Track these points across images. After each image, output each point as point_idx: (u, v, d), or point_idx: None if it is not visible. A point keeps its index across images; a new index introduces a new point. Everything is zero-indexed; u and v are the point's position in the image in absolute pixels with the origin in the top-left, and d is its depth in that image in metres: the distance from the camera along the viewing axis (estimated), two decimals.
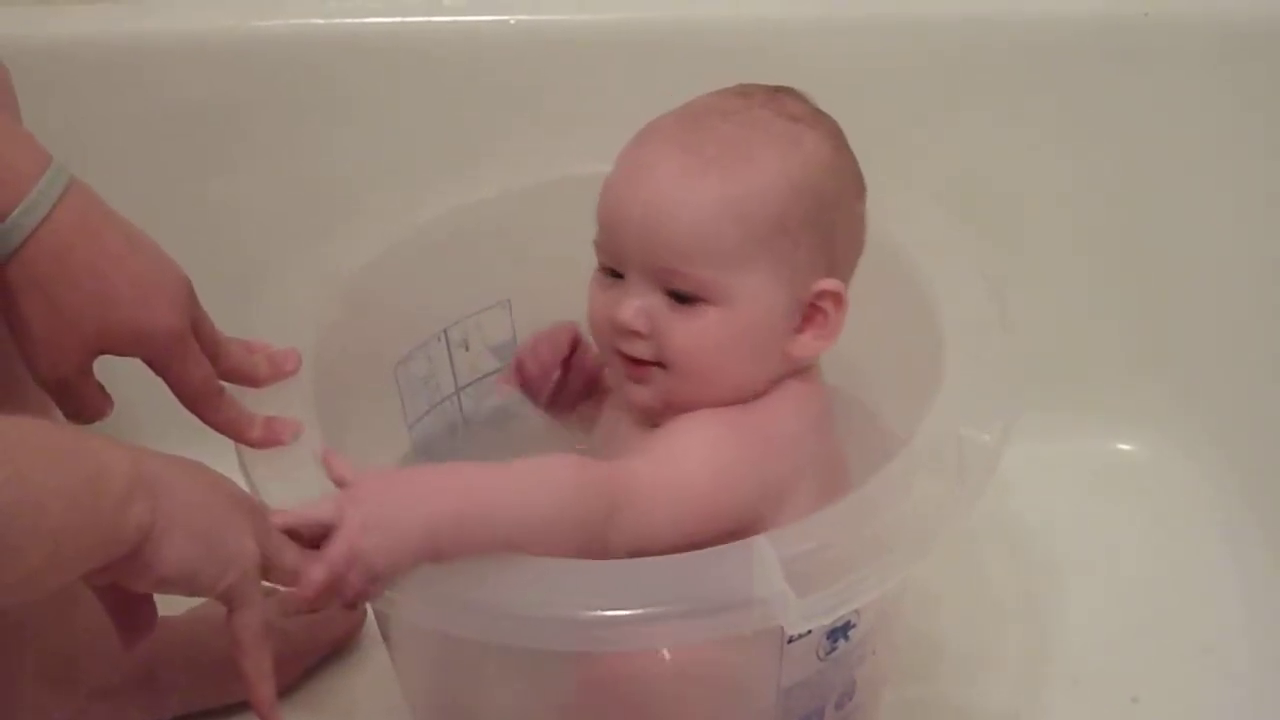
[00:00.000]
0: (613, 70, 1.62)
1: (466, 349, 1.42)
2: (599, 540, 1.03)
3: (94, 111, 1.62)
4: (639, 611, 0.97)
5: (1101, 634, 1.53)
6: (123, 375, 1.12)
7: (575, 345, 1.32)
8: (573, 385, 1.33)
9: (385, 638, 1.29)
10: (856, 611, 1.10)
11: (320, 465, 1.08)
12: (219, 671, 1.43)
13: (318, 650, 1.50)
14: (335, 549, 0.96)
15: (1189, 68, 1.62)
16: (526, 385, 1.34)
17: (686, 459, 1.10)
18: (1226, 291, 1.67)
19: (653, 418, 1.17)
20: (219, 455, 1.05)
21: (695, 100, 1.19)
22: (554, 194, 1.40)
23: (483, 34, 1.65)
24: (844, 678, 1.16)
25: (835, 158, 1.16)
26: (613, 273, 1.16)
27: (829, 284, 1.15)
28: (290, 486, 1.07)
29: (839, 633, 1.11)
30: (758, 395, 1.16)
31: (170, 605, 1.03)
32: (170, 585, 0.91)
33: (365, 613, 1.52)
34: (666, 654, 1.09)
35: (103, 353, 1.08)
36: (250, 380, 1.17)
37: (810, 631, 1.07)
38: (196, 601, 1.43)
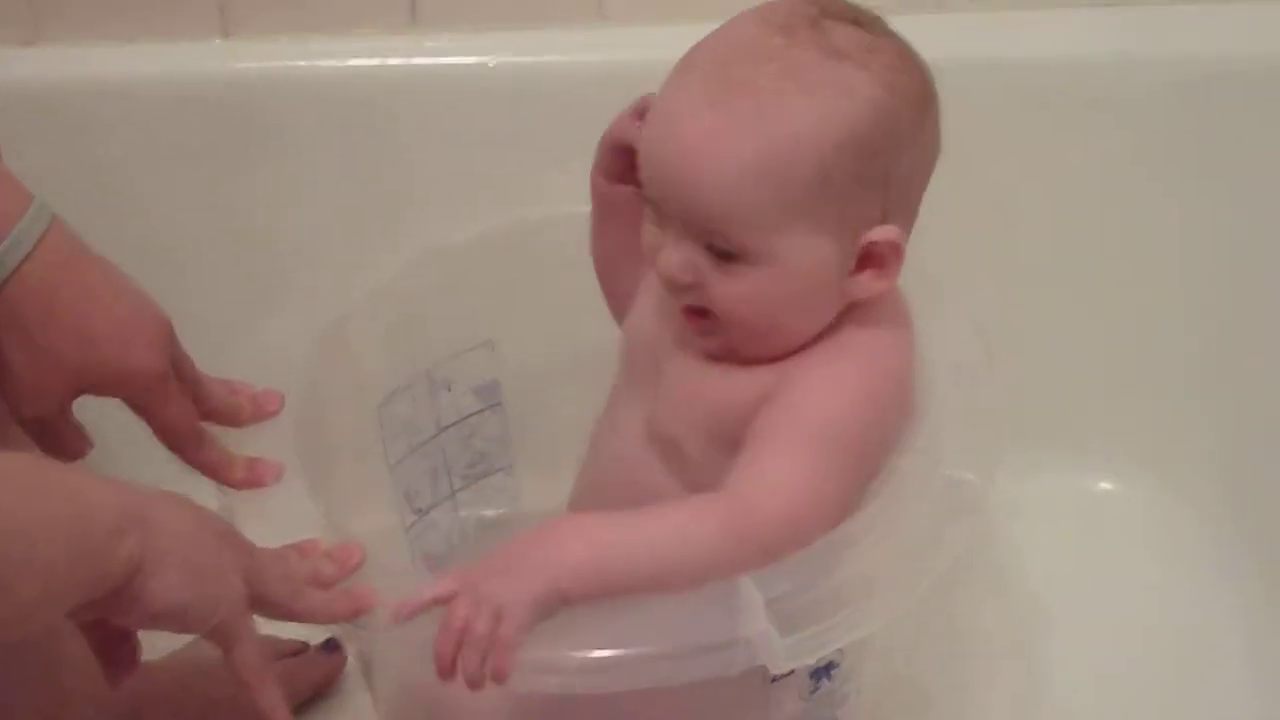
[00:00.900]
0: (594, 111, 1.62)
1: (449, 390, 1.41)
2: (757, 567, 1.00)
3: (68, 154, 1.62)
4: (623, 652, 0.97)
5: (1088, 675, 1.52)
6: (103, 415, 1.11)
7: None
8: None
9: (368, 680, 1.29)
10: (840, 651, 1.10)
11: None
12: (203, 714, 1.43)
13: (299, 693, 1.49)
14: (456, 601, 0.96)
15: (1174, 109, 1.62)
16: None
17: (830, 449, 1.06)
18: (1209, 331, 1.68)
19: (725, 357, 1.14)
20: (201, 496, 1.04)
21: (736, 27, 1.10)
22: (536, 234, 1.40)
23: (463, 76, 1.65)
24: (827, 717, 1.16)
25: (889, 98, 1.07)
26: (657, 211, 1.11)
27: (880, 233, 1.08)
28: (273, 528, 1.06)
29: (822, 672, 1.11)
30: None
31: (153, 650, 1.03)
32: (159, 621, 0.91)
33: (345, 656, 1.52)
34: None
35: (83, 393, 1.08)
36: (232, 421, 1.17)
37: (794, 671, 1.07)
38: (179, 644, 1.45)
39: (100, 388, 1.08)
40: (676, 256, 1.08)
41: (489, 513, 1.47)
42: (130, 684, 1.05)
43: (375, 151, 1.66)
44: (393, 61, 1.65)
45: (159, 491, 0.93)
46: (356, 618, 1.01)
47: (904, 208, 1.12)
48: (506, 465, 1.49)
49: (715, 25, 1.55)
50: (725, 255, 1.07)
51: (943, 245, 1.22)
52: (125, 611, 0.90)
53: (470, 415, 1.44)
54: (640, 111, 1.19)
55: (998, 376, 1.19)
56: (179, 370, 1.11)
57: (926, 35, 1.61)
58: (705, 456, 1.13)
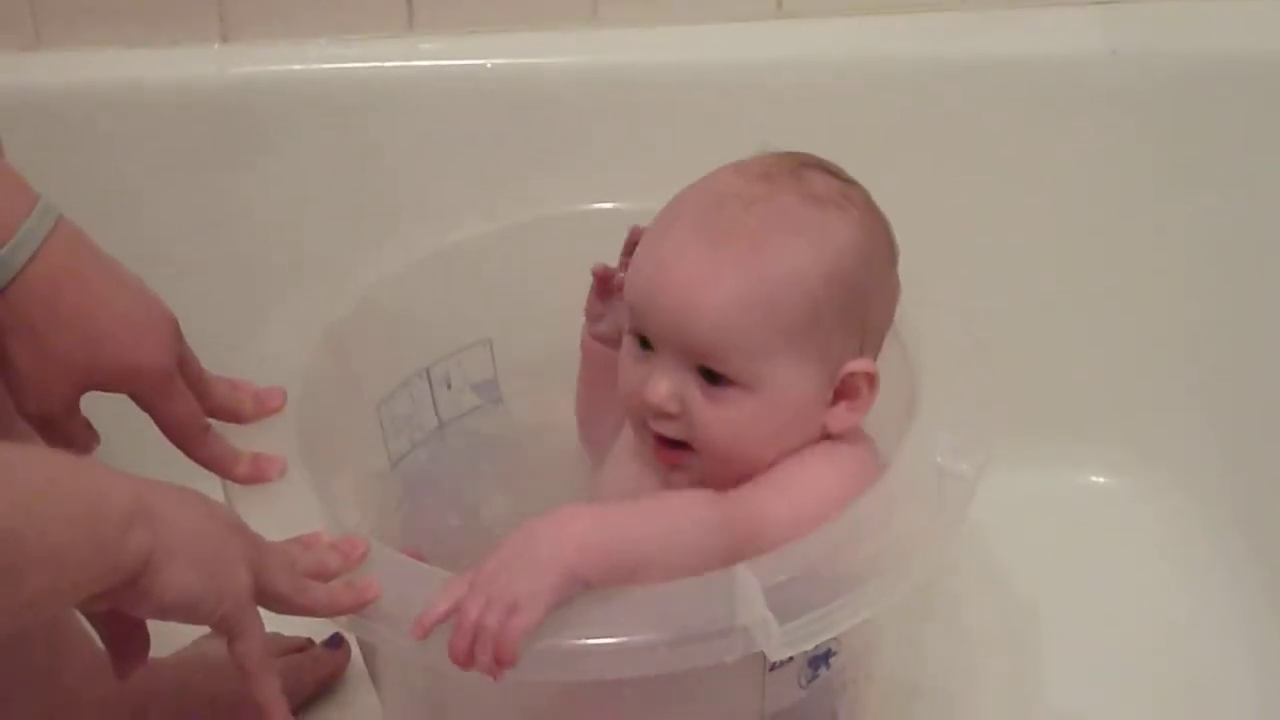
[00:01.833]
0: (589, 113, 1.63)
1: (449, 387, 1.42)
2: (723, 565, 1.03)
3: (69, 158, 1.63)
4: (622, 640, 0.98)
5: (1083, 668, 1.53)
6: (109, 411, 1.12)
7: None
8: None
9: (372, 676, 1.29)
10: (837, 640, 1.10)
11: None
12: (207, 713, 1.44)
13: (303, 689, 1.50)
14: (468, 599, 0.97)
15: (1158, 108, 1.64)
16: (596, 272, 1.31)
17: (815, 492, 1.11)
18: (1204, 324, 1.68)
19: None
20: (206, 491, 1.05)
21: (718, 178, 1.17)
22: (533, 234, 1.41)
23: (459, 79, 1.66)
24: (826, 706, 1.17)
25: (866, 240, 1.15)
26: (644, 342, 1.15)
27: (860, 365, 1.14)
28: (276, 522, 1.07)
29: (820, 660, 1.11)
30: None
31: (158, 648, 1.04)
32: (169, 613, 0.92)
33: (350, 652, 1.53)
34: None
35: (90, 389, 1.08)
36: (236, 417, 1.18)
37: (792, 659, 1.08)
38: (183, 642, 1.46)
39: (107, 384, 1.08)
40: (665, 385, 1.12)
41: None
42: (135, 681, 1.06)
43: (373, 153, 1.67)
44: (390, 65, 1.66)
45: (168, 484, 0.93)
46: (360, 610, 1.01)
47: (875, 344, 1.19)
48: (507, 460, 1.49)
49: (705, 29, 1.58)
50: (716, 381, 1.11)
51: (937, 239, 1.23)
52: (135, 603, 0.90)
53: (470, 412, 1.45)
54: (630, 246, 1.26)
55: (990, 369, 1.20)
56: (184, 367, 1.12)
57: (920, 34, 1.64)
58: None
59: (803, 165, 1.17)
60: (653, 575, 1.00)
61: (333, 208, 1.67)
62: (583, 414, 1.37)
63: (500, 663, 0.95)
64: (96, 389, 1.09)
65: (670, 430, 1.13)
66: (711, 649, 0.98)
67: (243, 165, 1.67)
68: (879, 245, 1.17)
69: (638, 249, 1.16)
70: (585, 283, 1.31)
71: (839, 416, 1.16)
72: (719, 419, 1.12)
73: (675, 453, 1.14)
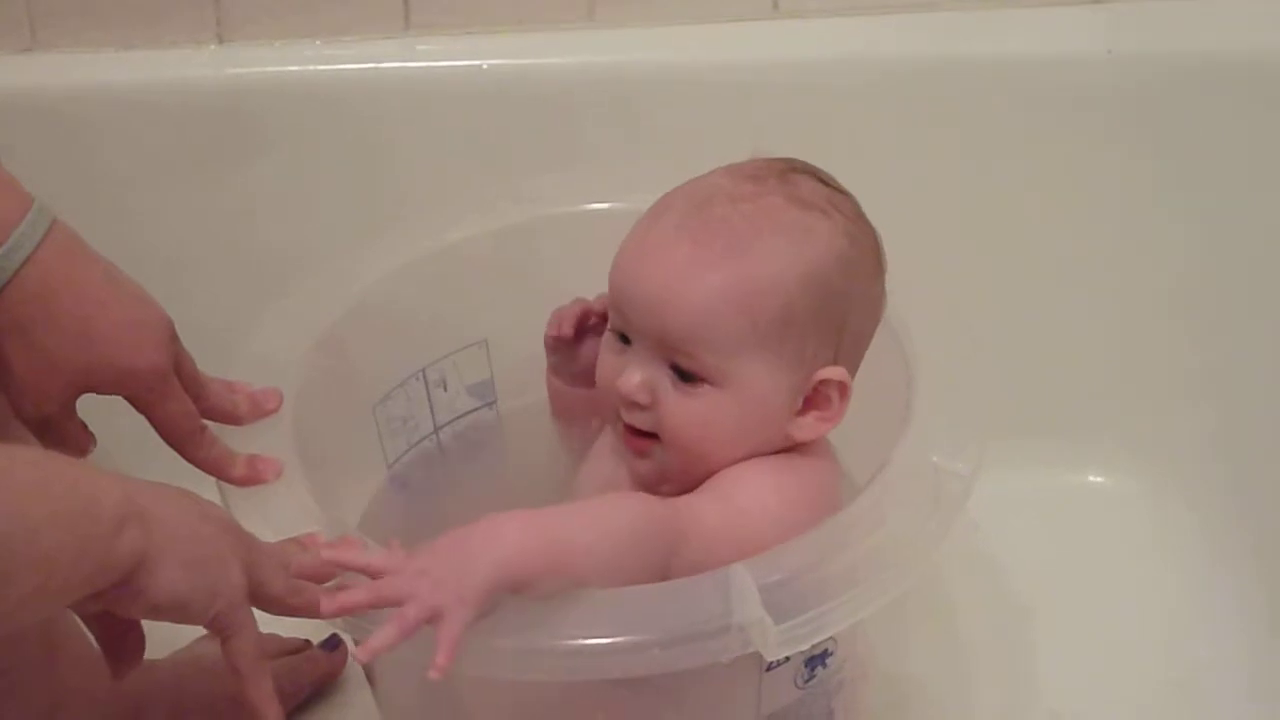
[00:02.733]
0: (585, 112, 1.63)
1: (445, 389, 1.42)
2: (661, 573, 1.04)
3: (65, 160, 1.63)
4: (618, 640, 0.97)
5: (1077, 667, 1.53)
6: (105, 413, 1.12)
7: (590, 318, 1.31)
8: (582, 359, 1.31)
9: (369, 678, 1.29)
10: (834, 640, 1.11)
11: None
12: (202, 714, 1.44)
13: (300, 692, 1.49)
14: (387, 582, 0.97)
15: (1152, 108, 1.64)
16: (548, 328, 1.33)
17: (750, 504, 1.11)
18: (1200, 325, 1.69)
19: (650, 488, 1.17)
20: (201, 493, 1.04)
21: (708, 178, 1.17)
22: (529, 235, 1.42)
23: (456, 79, 1.66)
24: (822, 706, 1.17)
25: (849, 247, 1.15)
26: (623, 337, 1.15)
27: (832, 373, 1.14)
28: (271, 524, 1.07)
29: (816, 660, 1.11)
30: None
31: (154, 649, 1.04)
32: (162, 613, 0.92)
33: (347, 653, 1.53)
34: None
35: (86, 391, 1.09)
36: (232, 419, 1.18)
37: (788, 659, 1.08)
38: (178, 644, 1.46)
39: (103, 386, 1.08)
40: (639, 377, 1.13)
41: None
42: (131, 682, 1.06)
43: (369, 154, 1.67)
44: (386, 65, 1.66)
45: (161, 485, 0.93)
46: (355, 612, 1.01)
47: (852, 355, 1.19)
48: (501, 461, 1.50)
49: (701, 27, 1.58)
50: (687, 376, 1.12)
51: (933, 238, 1.23)
52: (128, 603, 0.90)
53: (466, 414, 1.45)
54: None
55: (987, 368, 1.20)
56: (180, 368, 1.12)
57: (916, 33, 1.64)
58: None
59: (793, 170, 1.17)
60: (586, 577, 1.00)
61: (328, 208, 1.68)
62: (561, 429, 1.39)
63: (438, 669, 0.95)
64: (92, 391, 1.09)
65: (640, 421, 1.14)
66: (707, 649, 0.98)
67: (238, 166, 1.67)
68: (863, 255, 1.16)
69: (623, 241, 1.16)
70: (582, 283, 1.31)
71: (806, 425, 1.16)
72: (686, 414, 1.12)
73: (643, 441, 1.15)
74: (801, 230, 1.13)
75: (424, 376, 1.40)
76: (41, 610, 0.85)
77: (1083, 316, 1.72)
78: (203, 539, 0.93)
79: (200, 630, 0.96)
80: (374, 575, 0.97)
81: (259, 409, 1.20)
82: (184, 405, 1.12)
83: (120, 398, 1.10)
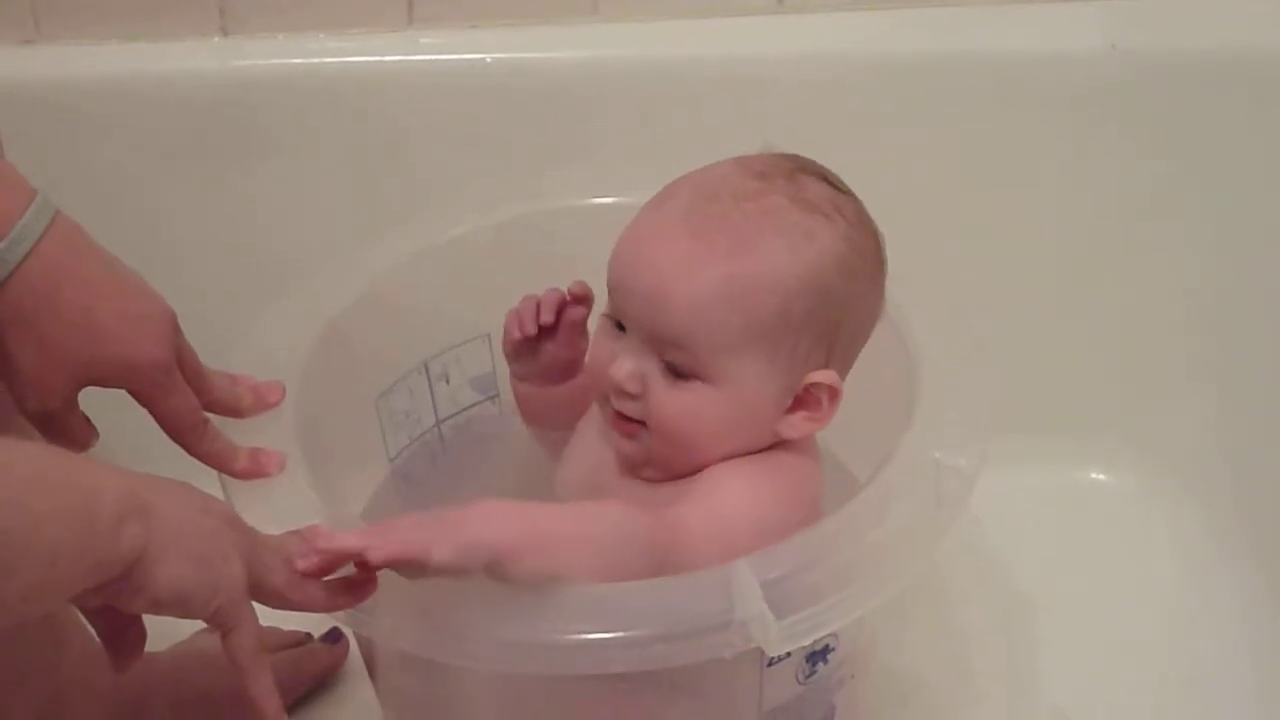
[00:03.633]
0: (589, 106, 1.63)
1: (447, 382, 1.42)
2: (650, 575, 1.04)
3: (68, 152, 1.63)
4: (620, 635, 0.98)
5: (1080, 665, 1.53)
6: (107, 406, 1.12)
7: (561, 311, 1.30)
8: (546, 356, 1.32)
9: (370, 671, 1.29)
10: (835, 635, 1.11)
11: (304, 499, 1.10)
12: (203, 706, 1.44)
13: (301, 684, 1.50)
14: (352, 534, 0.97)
15: (1158, 102, 1.64)
16: (507, 334, 1.32)
17: (732, 511, 1.11)
18: (1203, 322, 1.69)
19: (635, 471, 1.19)
20: (204, 486, 1.04)
21: (716, 169, 1.17)
22: (533, 228, 1.41)
23: (460, 73, 1.66)
24: (823, 702, 1.17)
25: (849, 252, 1.14)
26: (619, 325, 1.16)
27: (823, 376, 1.14)
28: (273, 517, 1.07)
29: (818, 656, 1.11)
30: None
31: (155, 641, 1.04)
32: (163, 607, 0.92)
33: (349, 646, 1.53)
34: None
35: (88, 384, 1.09)
36: (234, 411, 1.18)
37: (790, 654, 1.08)
38: (180, 636, 1.46)
39: (105, 379, 1.08)
40: (630, 365, 1.13)
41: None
42: (132, 675, 1.06)
43: (373, 147, 1.67)
44: (390, 59, 1.66)
45: (162, 479, 0.93)
46: (356, 605, 1.01)
47: (845, 358, 1.18)
48: (504, 454, 1.49)
49: (704, 22, 1.58)
50: (678, 371, 1.12)
51: (936, 233, 1.23)
52: (129, 597, 0.90)
53: (468, 407, 1.46)
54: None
55: (990, 365, 1.20)
56: (182, 361, 1.12)
57: (921, 28, 1.64)
58: None
59: (801, 170, 1.17)
60: (565, 570, 1.00)
61: (332, 202, 1.68)
62: (536, 434, 1.39)
63: (353, 594, 0.97)
64: (95, 384, 1.09)
65: (629, 409, 1.14)
66: (709, 644, 0.98)
67: (242, 159, 1.67)
68: (863, 260, 1.16)
69: (626, 228, 1.16)
70: (586, 277, 1.30)
71: (794, 424, 1.16)
72: (675, 405, 1.13)
73: (631, 425, 1.15)
74: (803, 233, 1.12)
75: (426, 370, 1.41)
76: (43, 604, 0.85)
77: (1086, 313, 1.72)
78: (204, 533, 0.93)
79: (201, 623, 0.96)
80: (355, 554, 0.97)
81: (262, 402, 1.20)
82: (186, 398, 1.12)
83: (123, 391, 1.10)
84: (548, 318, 1.29)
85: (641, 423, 1.15)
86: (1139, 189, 1.66)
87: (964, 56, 1.65)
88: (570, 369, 1.33)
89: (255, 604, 0.98)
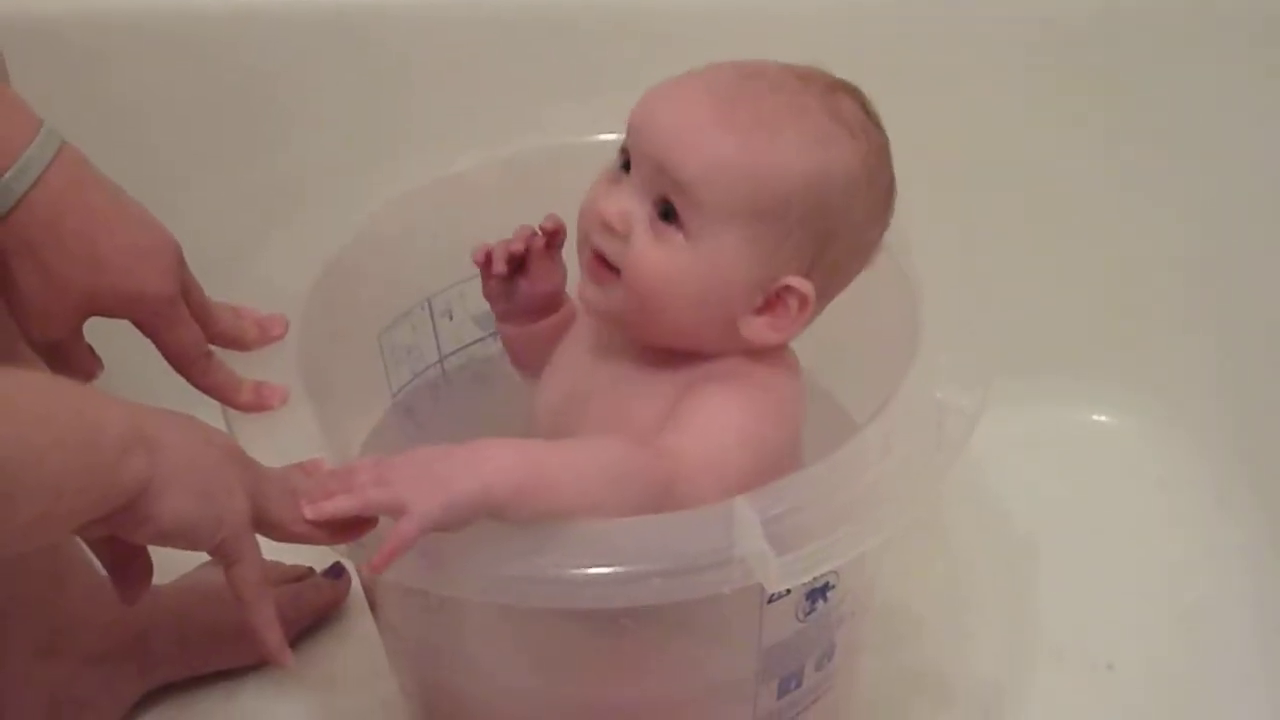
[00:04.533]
0: (597, 42, 1.63)
1: (450, 318, 1.42)
2: (656, 510, 1.03)
3: (72, 86, 1.63)
4: (620, 570, 0.98)
5: (1079, 604, 1.54)
6: (112, 337, 1.13)
7: (530, 245, 1.29)
8: (523, 292, 1.31)
9: (371, 606, 1.30)
10: (835, 573, 1.11)
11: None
12: (207, 640, 1.45)
13: (303, 619, 1.51)
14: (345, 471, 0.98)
15: (1172, 48, 1.63)
16: (481, 277, 1.32)
17: (725, 436, 1.10)
18: (1206, 264, 1.69)
19: (602, 320, 1.19)
20: (207, 418, 1.04)
21: (762, 61, 1.16)
22: (540, 163, 1.41)
23: (468, 6, 1.66)
24: (823, 639, 1.17)
25: (861, 173, 1.14)
26: (625, 166, 1.15)
27: (797, 283, 1.13)
28: (276, 450, 1.07)
29: (818, 594, 1.12)
30: (747, 361, 1.16)
31: (157, 576, 1.04)
32: (168, 539, 0.92)
33: (350, 581, 1.54)
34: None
35: (93, 315, 1.09)
36: (238, 344, 1.18)
37: (789, 591, 1.08)
38: (183, 570, 1.46)
39: (110, 310, 1.08)
40: (623, 203, 1.13)
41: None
42: (135, 608, 1.06)
43: (380, 81, 1.67)
44: None
45: (166, 411, 0.93)
46: (358, 539, 1.02)
47: (826, 281, 1.17)
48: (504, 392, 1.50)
49: None
50: (669, 216, 1.11)
51: (935, 177, 1.23)
52: (133, 529, 0.90)
53: (471, 343, 1.45)
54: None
55: (992, 305, 1.20)
56: (187, 293, 1.12)
57: None
58: None
59: (843, 88, 1.17)
60: (566, 509, 0.99)
61: (338, 135, 1.68)
62: (529, 381, 1.36)
63: (373, 566, 0.96)
64: (100, 314, 1.09)
65: (607, 248, 1.13)
66: (709, 580, 0.98)
67: (248, 92, 1.67)
68: (871, 189, 1.16)
69: (658, 85, 1.16)
70: None
71: (756, 327, 1.15)
72: (652, 256, 1.12)
73: (606, 271, 1.14)
74: (823, 136, 1.12)
75: (430, 305, 1.40)
76: (47, 535, 0.85)
77: (1089, 254, 1.72)
78: (208, 465, 0.93)
79: (203, 556, 0.96)
80: (348, 475, 0.98)
81: (266, 335, 1.20)
82: (190, 330, 1.12)
83: (127, 322, 1.10)
84: (517, 247, 1.28)
85: (616, 271, 1.14)
86: (1140, 131, 1.66)
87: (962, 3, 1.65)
88: (550, 303, 1.32)
89: (258, 537, 0.99)
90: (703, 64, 1.16)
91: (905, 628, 1.50)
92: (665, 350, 1.17)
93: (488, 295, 1.33)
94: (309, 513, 0.97)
